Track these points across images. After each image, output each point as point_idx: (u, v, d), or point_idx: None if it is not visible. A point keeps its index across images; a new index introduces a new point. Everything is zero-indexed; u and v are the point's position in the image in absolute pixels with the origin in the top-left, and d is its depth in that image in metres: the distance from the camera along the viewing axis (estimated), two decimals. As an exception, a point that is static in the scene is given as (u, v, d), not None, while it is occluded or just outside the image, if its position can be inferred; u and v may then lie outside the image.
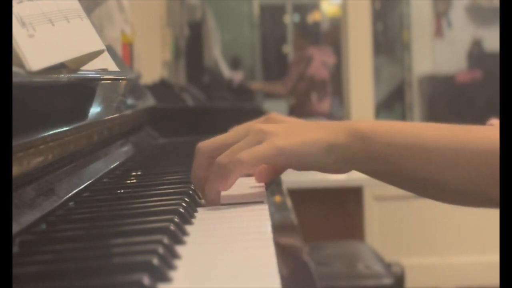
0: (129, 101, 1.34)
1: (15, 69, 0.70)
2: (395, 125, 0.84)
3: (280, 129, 0.83)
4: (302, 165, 0.83)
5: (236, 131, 0.85)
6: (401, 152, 0.81)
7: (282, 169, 0.89)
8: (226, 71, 5.72)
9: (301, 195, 2.98)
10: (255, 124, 0.85)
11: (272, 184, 0.91)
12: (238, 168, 0.79)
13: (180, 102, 2.46)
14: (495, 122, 1.19)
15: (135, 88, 1.47)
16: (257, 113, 1.12)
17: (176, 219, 0.68)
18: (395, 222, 3.79)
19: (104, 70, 1.06)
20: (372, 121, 0.85)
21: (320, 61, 5.23)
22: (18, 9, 0.76)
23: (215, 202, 0.81)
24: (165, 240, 0.60)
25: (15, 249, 0.62)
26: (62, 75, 0.82)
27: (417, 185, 0.84)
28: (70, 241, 0.66)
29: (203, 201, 0.84)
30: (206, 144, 0.84)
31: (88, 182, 0.91)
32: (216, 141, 0.84)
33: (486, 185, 0.79)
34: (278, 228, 0.69)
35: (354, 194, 3.28)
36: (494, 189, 0.78)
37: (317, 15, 7.53)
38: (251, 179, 0.90)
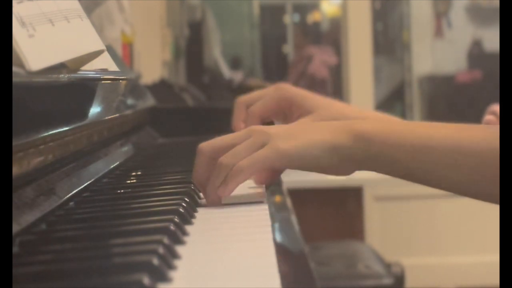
0: (129, 101, 1.34)
1: (15, 69, 0.70)
2: (396, 125, 0.84)
3: (281, 131, 0.83)
4: (305, 167, 0.83)
5: (238, 133, 0.86)
6: (403, 152, 0.80)
7: (282, 170, 0.89)
8: (226, 71, 5.72)
9: (301, 195, 2.98)
10: (257, 126, 0.85)
11: (272, 184, 0.91)
12: (240, 176, 0.80)
13: (180, 102, 2.46)
14: (496, 109, 1.18)
15: (135, 88, 1.46)
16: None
17: (176, 219, 0.68)
18: (395, 222, 3.79)
19: (104, 70, 1.06)
20: (373, 122, 0.85)
21: (321, 60, 5.23)
22: (18, 9, 0.76)
23: (216, 203, 0.81)
24: (165, 240, 0.60)
25: (15, 249, 0.62)
26: (62, 75, 0.82)
27: (420, 182, 0.84)
28: (70, 241, 0.66)
29: (203, 201, 0.85)
30: (207, 145, 0.84)
31: (88, 182, 0.91)
32: (218, 142, 0.84)
33: (489, 185, 0.79)
34: (278, 229, 0.69)
35: (354, 194, 3.28)
36: (497, 189, 0.78)
37: (317, 15, 7.52)
38: (251, 179, 0.90)
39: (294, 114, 1.05)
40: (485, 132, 0.81)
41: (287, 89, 1.05)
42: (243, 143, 0.82)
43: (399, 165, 0.81)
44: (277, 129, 0.84)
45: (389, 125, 0.83)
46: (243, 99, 1.06)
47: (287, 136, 0.81)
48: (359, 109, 1.12)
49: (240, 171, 0.79)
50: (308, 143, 0.81)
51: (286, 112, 1.05)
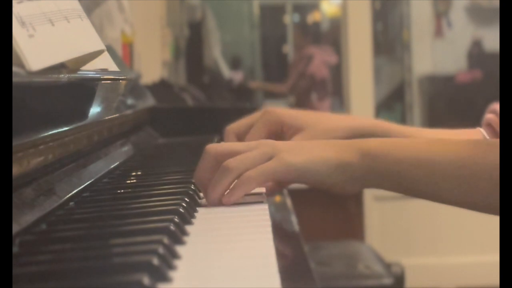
0: (129, 101, 1.34)
1: (15, 69, 0.70)
2: (401, 142, 0.85)
3: (289, 146, 0.83)
4: (311, 182, 0.83)
5: (247, 142, 0.86)
6: (408, 167, 0.81)
7: (287, 183, 0.89)
8: (226, 71, 5.72)
9: (301, 195, 2.97)
10: (265, 140, 0.85)
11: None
12: (247, 186, 0.80)
13: (180, 102, 2.46)
14: (497, 107, 1.18)
15: (135, 88, 1.46)
16: (257, 113, 1.12)
17: (176, 219, 0.68)
18: (395, 222, 3.79)
19: (104, 70, 1.06)
20: (379, 139, 0.85)
21: (321, 60, 5.23)
22: (18, 9, 0.76)
23: (216, 203, 0.82)
24: (165, 240, 0.60)
25: (15, 249, 0.62)
26: (62, 75, 0.82)
27: (425, 197, 0.84)
28: (70, 241, 0.66)
29: (203, 201, 0.85)
30: (215, 147, 0.84)
31: (88, 182, 0.91)
32: (226, 147, 0.85)
33: (492, 198, 0.79)
34: (278, 228, 0.69)
35: (354, 194, 3.28)
36: (497, 201, 0.78)
37: (317, 15, 7.52)
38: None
39: (286, 134, 1.06)
40: (490, 146, 0.81)
41: (274, 111, 1.06)
42: (251, 152, 0.82)
43: (404, 180, 0.82)
44: (285, 143, 0.84)
45: (392, 141, 0.85)
46: (231, 127, 1.07)
47: (295, 151, 0.82)
48: (349, 118, 1.13)
49: (248, 181, 0.80)
50: (315, 159, 0.81)
51: (278, 134, 1.06)
